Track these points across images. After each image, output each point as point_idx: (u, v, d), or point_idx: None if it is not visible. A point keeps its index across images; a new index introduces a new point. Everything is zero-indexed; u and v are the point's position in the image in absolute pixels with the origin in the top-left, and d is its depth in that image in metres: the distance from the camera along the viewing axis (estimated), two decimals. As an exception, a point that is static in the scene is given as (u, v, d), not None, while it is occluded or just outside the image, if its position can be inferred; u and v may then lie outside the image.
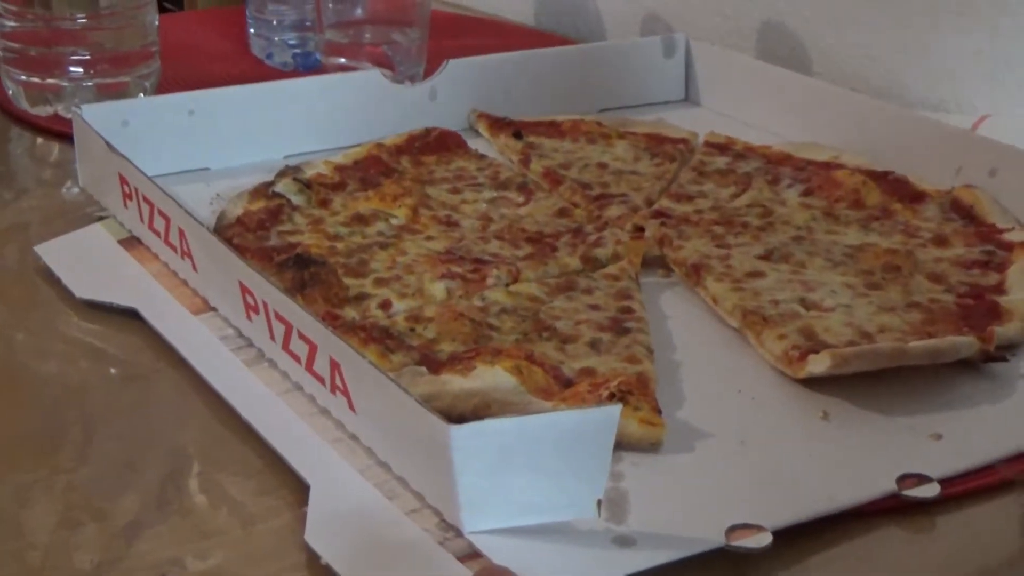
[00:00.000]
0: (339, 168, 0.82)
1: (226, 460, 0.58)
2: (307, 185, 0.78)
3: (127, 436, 0.60)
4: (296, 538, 0.52)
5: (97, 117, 0.79)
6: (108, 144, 0.75)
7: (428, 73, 0.97)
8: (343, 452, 0.56)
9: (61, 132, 0.93)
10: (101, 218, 0.78)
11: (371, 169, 0.83)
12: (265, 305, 0.61)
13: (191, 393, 0.63)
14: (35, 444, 0.60)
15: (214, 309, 0.67)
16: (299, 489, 0.55)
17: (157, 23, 0.97)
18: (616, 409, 0.50)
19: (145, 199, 0.72)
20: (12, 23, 0.94)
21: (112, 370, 0.66)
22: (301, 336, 0.58)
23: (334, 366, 0.56)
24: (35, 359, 0.67)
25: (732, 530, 0.51)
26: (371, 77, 0.91)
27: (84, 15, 0.93)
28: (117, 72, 0.95)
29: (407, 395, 0.51)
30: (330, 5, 1.00)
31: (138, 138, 0.81)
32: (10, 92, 0.97)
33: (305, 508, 0.53)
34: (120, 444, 0.60)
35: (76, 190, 0.83)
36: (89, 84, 0.95)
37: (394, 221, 0.76)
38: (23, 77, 0.96)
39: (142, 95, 0.96)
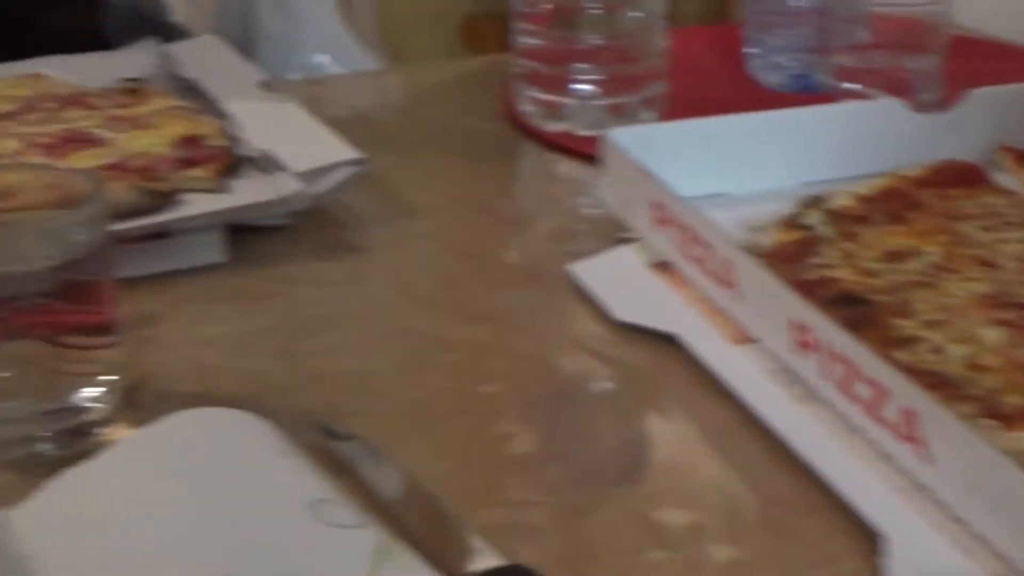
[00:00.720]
0: (863, 199, 0.80)
1: (785, 497, 0.58)
2: (834, 217, 0.77)
3: (678, 463, 0.61)
4: (869, 588, 0.52)
5: (623, 140, 0.81)
6: (643, 169, 0.76)
7: (945, 101, 0.94)
8: (912, 502, 0.55)
9: (570, 148, 0.96)
10: (625, 239, 0.80)
11: (894, 202, 0.81)
12: (823, 343, 0.60)
13: (736, 424, 0.63)
14: (590, 467, 0.61)
15: (757, 341, 0.67)
16: (862, 535, 0.54)
17: (668, 45, 0.99)
18: None
19: (682, 226, 0.72)
20: (532, 41, 0.97)
21: (655, 396, 0.67)
22: (865, 379, 0.57)
23: (907, 414, 0.55)
24: (580, 381, 0.68)
25: None
26: (888, 105, 0.89)
27: (602, 37, 0.95)
28: (626, 93, 0.97)
29: (999, 454, 0.50)
30: (840, 28, 0.98)
31: (661, 162, 0.81)
32: (523, 108, 1.00)
33: (876, 557, 0.52)
34: (672, 470, 0.60)
35: (595, 210, 0.85)
36: (598, 104, 0.97)
37: (928, 259, 0.74)
38: (535, 94, 0.99)
39: (648, 116, 0.98)
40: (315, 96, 1.08)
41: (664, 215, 0.74)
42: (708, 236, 0.70)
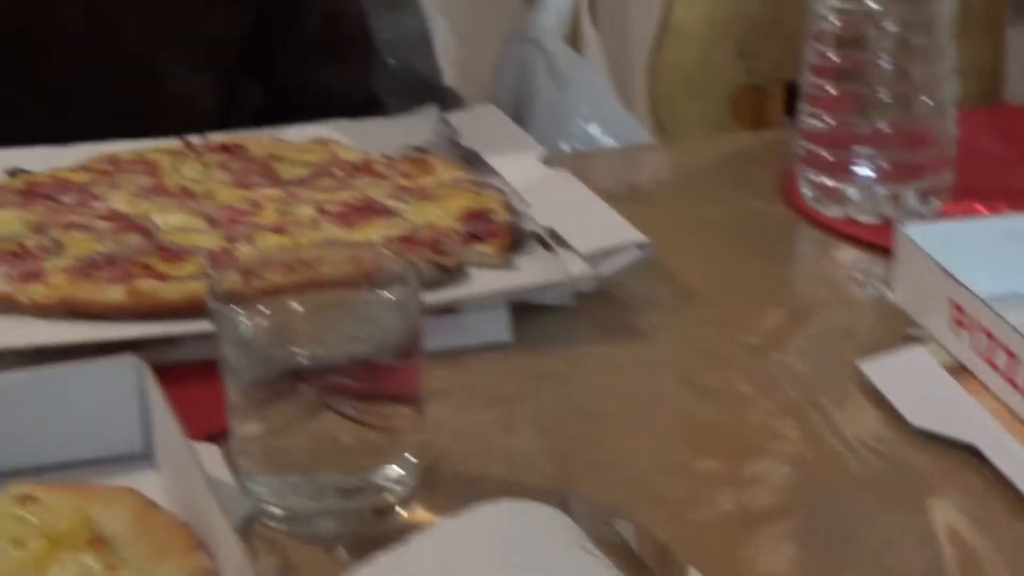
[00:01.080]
0: None
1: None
2: None
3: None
4: None
5: (919, 236, 0.79)
6: (943, 269, 0.74)
7: None
8: None
9: (850, 235, 0.95)
10: (914, 337, 0.77)
11: None
12: None
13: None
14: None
15: (1066, 459, 0.64)
16: None
17: (956, 133, 0.96)
18: None
19: (984, 330, 0.70)
20: (817, 123, 0.96)
21: (948, 506, 0.65)
22: None
23: None
24: (868, 485, 0.67)
25: None
26: None
27: (890, 123, 0.93)
28: (910, 180, 0.95)
29: None
30: None
31: (955, 258, 0.79)
32: (802, 190, 0.99)
33: None
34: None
35: (880, 301, 0.83)
36: (880, 191, 0.95)
37: None
38: (815, 177, 0.98)
39: (933, 205, 0.95)
40: (586, 169, 1.08)
41: (963, 317, 0.72)
42: (1013, 344, 0.68)
